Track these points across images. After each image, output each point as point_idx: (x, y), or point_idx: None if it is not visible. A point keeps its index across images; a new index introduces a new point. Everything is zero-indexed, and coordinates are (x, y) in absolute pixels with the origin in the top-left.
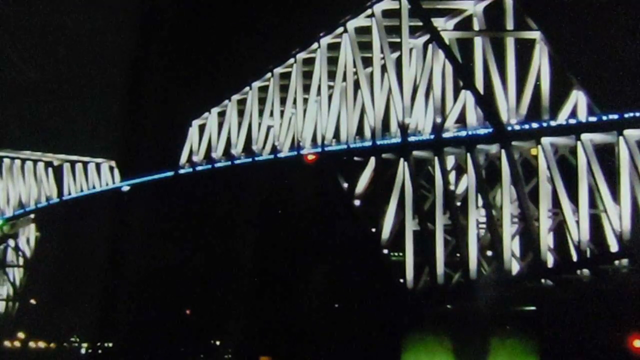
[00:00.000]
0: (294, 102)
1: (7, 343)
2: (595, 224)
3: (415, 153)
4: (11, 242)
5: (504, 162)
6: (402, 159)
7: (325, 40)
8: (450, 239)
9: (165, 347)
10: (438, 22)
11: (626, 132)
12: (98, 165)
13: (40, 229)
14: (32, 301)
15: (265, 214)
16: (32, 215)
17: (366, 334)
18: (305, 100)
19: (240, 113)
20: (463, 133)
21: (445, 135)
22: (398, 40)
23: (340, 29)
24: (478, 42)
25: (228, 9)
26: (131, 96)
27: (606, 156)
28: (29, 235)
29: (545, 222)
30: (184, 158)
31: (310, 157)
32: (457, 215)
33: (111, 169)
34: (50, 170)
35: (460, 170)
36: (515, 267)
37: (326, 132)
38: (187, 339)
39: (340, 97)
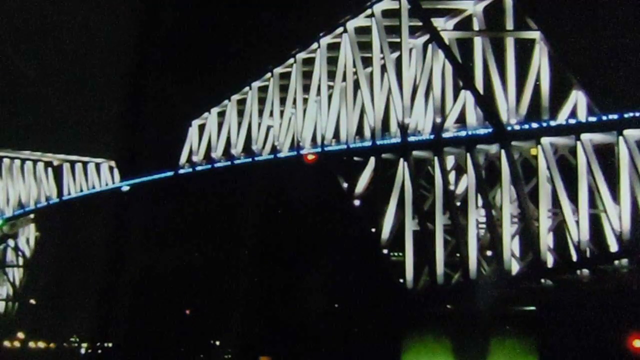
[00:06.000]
0: (294, 102)
1: (7, 343)
2: (595, 224)
3: (415, 153)
4: (11, 242)
5: (503, 162)
6: (402, 159)
7: (325, 40)
8: (450, 239)
9: (165, 347)
10: (438, 22)
11: (626, 132)
12: (98, 165)
13: (40, 229)
14: (32, 301)
15: (265, 214)
16: (32, 215)
17: (366, 334)
18: (305, 100)
19: (240, 113)
20: (463, 133)
21: (445, 135)
22: (398, 40)
23: (340, 29)
24: (478, 42)
25: (228, 9)
26: (131, 96)
27: (606, 156)
28: (28, 235)
29: (545, 222)
30: (183, 158)
31: (310, 157)
32: (457, 215)
33: (111, 169)
34: (50, 170)
35: (460, 170)
36: (515, 267)
37: (326, 132)
38: (187, 339)
39: (340, 97)
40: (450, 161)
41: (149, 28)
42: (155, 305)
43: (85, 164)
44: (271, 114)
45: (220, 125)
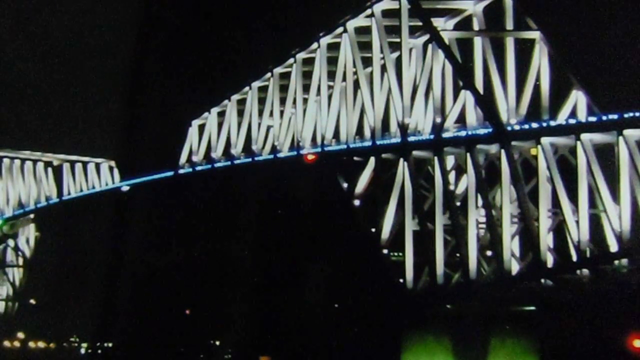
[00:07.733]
0: (294, 102)
1: (7, 343)
2: (595, 224)
3: (415, 153)
4: (11, 242)
5: (503, 162)
6: (402, 159)
7: (325, 40)
8: (450, 239)
9: (165, 347)
10: (438, 22)
11: (626, 132)
12: (98, 165)
13: (40, 229)
14: (32, 301)
15: (265, 214)
16: (32, 215)
17: (366, 334)
18: (305, 100)
19: (240, 113)
20: (463, 133)
21: (445, 135)
22: (398, 40)
23: (340, 29)
24: (478, 42)
25: (228, 9)
26: (131, 96)
27: (606, 156)
28: (28, 235)
29: (545, 222)
30: (183, 158)
31: (310, 157)
32: (457, 215)
33: (111, 169)
34: (50, 170)
35: (460, 170)
36: (515, 267)
37: (326, 132)
38: (187, 339)
39: (340, 97)
40: (450, 161)
41: (148, 29)
42: (155, 305)
43: (85, 164)
44: (271, 114)
45: (220, 125)
